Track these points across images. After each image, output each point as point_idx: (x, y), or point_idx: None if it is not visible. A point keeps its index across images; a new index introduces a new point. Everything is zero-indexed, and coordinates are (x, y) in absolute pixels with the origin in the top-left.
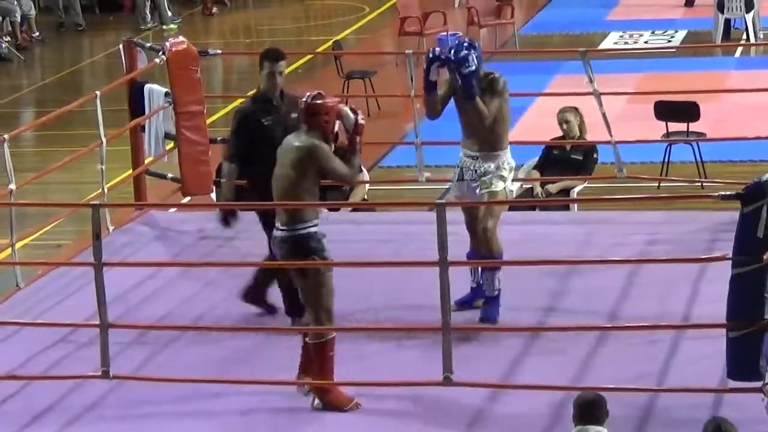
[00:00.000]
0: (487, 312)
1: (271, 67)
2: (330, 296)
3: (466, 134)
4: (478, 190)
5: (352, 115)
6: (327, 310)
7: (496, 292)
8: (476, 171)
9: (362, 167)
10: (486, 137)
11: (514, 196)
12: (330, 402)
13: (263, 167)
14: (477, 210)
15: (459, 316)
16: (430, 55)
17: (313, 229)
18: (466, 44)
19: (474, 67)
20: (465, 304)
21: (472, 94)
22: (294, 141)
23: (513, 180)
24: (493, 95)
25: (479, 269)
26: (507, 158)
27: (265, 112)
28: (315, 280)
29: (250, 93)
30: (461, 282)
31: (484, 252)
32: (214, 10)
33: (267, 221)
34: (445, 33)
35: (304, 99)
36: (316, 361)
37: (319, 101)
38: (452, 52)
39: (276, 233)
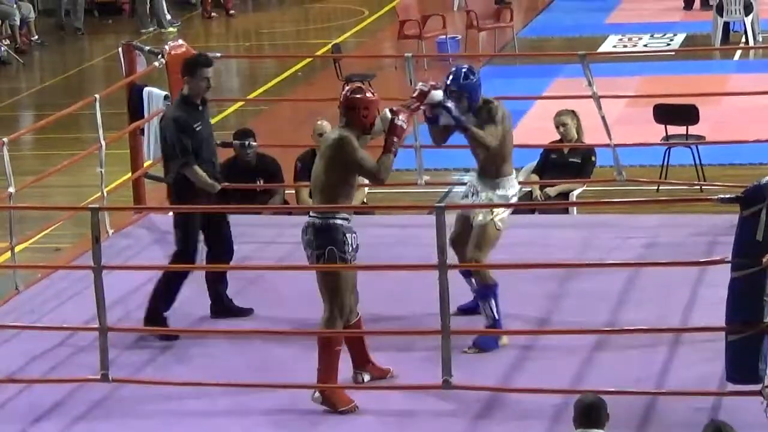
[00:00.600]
0: (481, 342)
1: (206, 72)
2: (345, 292)
3: (475, 158)
4: (471, 217)
5: (389, 115)
6: (340, 306)
7: (492, 321)
8: (477, 193)
9: None
10: (485, 163)
11: (504, 226)
12: (328, 398)
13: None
14: (467, 231)
15: (460, 319)
16: (428, 115)
17: (339, 222)
18: (466, 78)
19: (452, 106)
20: (469, 310)
21: (460, 126)
22: (331, 135)
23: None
24: (488, 122)
25: (471, 278)
26: (507, 186)
27: (193, 117)
28: (331, 274)
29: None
30: (463, 284)
31: (476, 284)
32: (213, 14)
33: (210, 224)
34: (445, 37)
35: (343, 93)
36: (322, 355)
37: (358, 95)
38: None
39: (308, 219)
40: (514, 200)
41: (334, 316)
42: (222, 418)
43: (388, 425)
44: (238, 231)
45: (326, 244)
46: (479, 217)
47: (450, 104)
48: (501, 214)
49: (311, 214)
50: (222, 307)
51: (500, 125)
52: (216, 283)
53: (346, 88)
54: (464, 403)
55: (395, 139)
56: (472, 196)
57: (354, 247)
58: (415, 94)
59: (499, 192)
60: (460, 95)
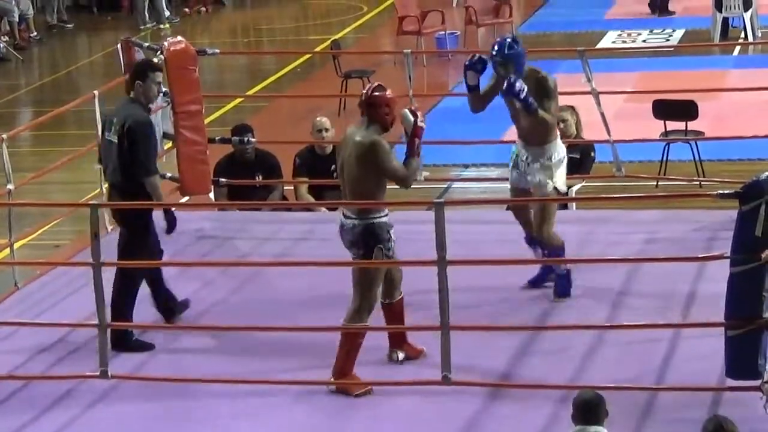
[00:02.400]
0: (558, 288)
1: (158, 77)
2: (378, 286)
3: (517, 126)
4: (531, 186)
5: (411, 117)
6: (371, 300)
7: (566, 270)
8: (526, 160)
9: None
10: (533, 131)
11: (565, 190)
12: (343, 384)
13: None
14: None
15: (458, 315)
16: (466, 63)
17: (384, 220)
18: (510, 48)
19: (525, 90)
20: (538, 281)
21: (531, 111)
22: (355, 135)
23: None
24: (546, 97)
25: (537, 249)
26: (556, 150)
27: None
28: (370, 271)
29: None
30: (462, 279)
31: (547, 249)
32: (203, 9)
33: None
34: (444, 32)
35: (364, 91)
36: (344, 344)
37: (378, 93)
38: (500, 62)
39: (345, 221)
40: (563, 162)
41: (363, 308)
42: (223, 414)
43: (387, 421)
44: (237, 227)
45: (374, 244)
46: (547, 187)
47: (521, 86)
48: (558, 176)
49: (348, 214)
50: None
51: (556, 99)
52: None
53: (367, 86)
54: (463, 398)
55: (417, 141)
56: (524, 165)
57: (395, 240)
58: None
59: (547, 158)
60: (506, 65)
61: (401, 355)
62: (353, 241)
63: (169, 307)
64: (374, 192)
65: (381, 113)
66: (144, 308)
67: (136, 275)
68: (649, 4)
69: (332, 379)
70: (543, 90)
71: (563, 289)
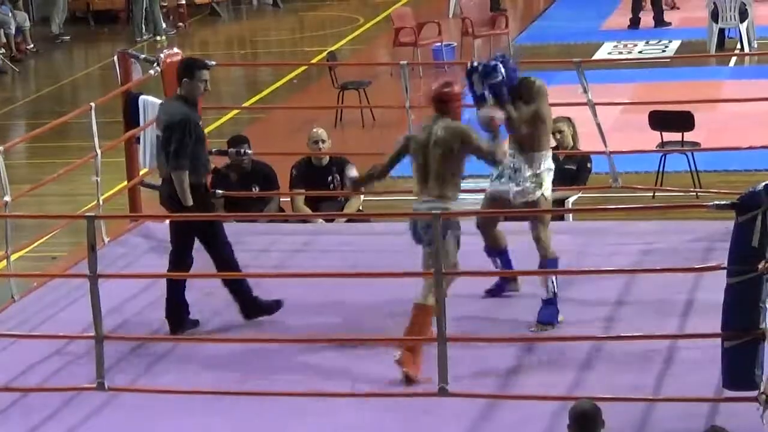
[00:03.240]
0: (543, 315)
1: (205, 75)
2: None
3: (511, 132)
4: (517, 197)
5: (489, 113)
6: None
7: (552, 295)
8: (514, 167)
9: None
10: (522, 138)
11: (551, 200)
12: (406, 363)
13: (205, 168)
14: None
15: (457, 326)
16: (468, 67)
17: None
18: (498, 58)
19: (500, 77)
20: (496, 291)
21: (502, 102)
22: (436, 129)
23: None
24: (528, 100)
25: (497, 260)
26: (544, 160)
27: (195, 118)
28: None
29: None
30: (462, 288)
31: (540, 258)
32: (180, 25)
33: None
34: (440, 44)
35: (434, 88)
36: (415, 322)
37: (448, 89)
38: (481, 64)
39: (421, 206)
40: (551, 172)
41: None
42: (219, 426)
43: None
44: (233, 239)
45: (453, 229)
46: (534, 194)
47: (498, 78)
48: (546, 185)
49: (427, 200)
50: (253, 305)
51: (540, 102)
52: (236, 284)
53: (436, 83)
54: (460, 409)
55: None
56: (510, 173)
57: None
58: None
59: (538, 165)
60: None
61: (398, 355)
62: (431, 229)
63: (178, 317)
64: (456, 179)
65: (454, 106)
66: (142, 317)
67: (185, 253)
68: (631, 20)
69: (399, 354)
70: (525, 92)
71: (548, 317)
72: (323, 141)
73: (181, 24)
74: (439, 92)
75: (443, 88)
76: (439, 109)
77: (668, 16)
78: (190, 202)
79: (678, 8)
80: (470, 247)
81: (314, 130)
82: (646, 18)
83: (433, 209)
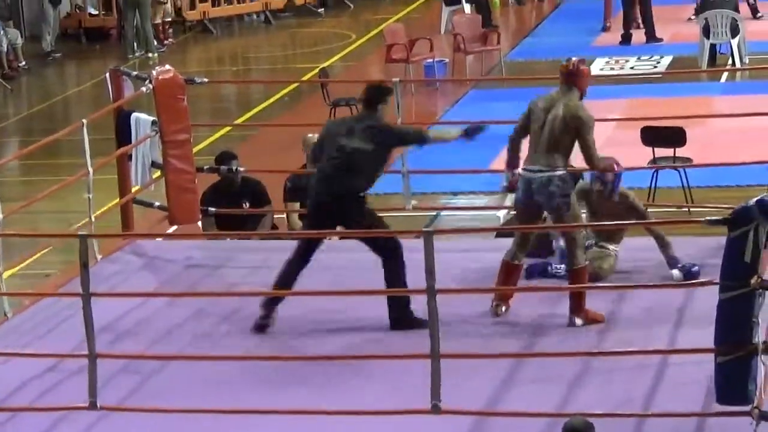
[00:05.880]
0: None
1: (389, 101)
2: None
3: (535, 144)
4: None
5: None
6: (579, 241)
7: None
8: (540, 180)
9: None
10: (555, 150)
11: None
12: (586, 318)
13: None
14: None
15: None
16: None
17: (565, 173)
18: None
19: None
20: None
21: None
22: (560, 104)
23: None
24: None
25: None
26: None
27: None
28: (572, 214)
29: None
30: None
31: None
32: (167, 42)
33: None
34: (432, 60)
35: (567, 65)
36: (575, 284)
37: (583, 66)
38: None
39: (533, 175)
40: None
41: (575, 251)
42: None
43: None
44: (226, 255)
45: (570, 191)
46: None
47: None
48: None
49: (539, 168)
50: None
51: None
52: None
53: (570, 60)
54: (453, 426)
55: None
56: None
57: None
58: None
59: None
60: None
61: (504, 309)
62: (553, 190)
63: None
64: (568, 151)
65: (583, 83)
66: (134, 335)
67: (396, 246)
68: (622, 36)
69: (575, 319)
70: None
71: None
72: None
73: (167, 41)
74: (577, 67)
75: (580, 64)
76: (573, 82)
77: (661, 31)
78: None
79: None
80: (465, 264)
81: (309, 135)
82: (638, 33)
83: (551, 178)
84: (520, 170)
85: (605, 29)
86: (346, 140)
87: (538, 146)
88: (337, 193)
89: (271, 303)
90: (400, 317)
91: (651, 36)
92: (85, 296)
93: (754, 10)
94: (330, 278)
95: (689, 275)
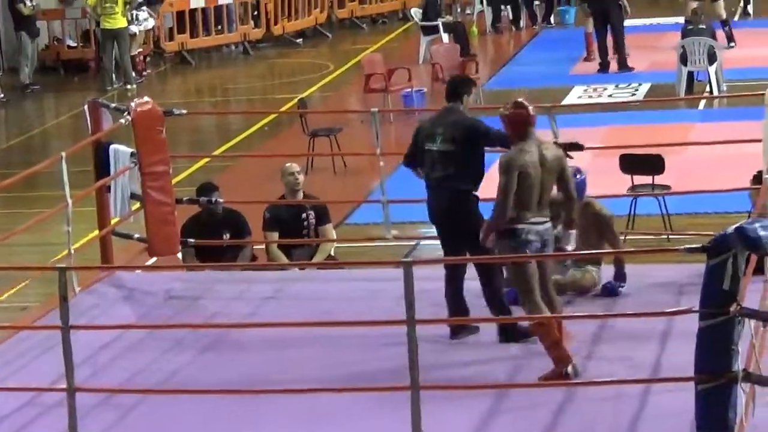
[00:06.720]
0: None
1: (472, 92)
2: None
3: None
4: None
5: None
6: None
7: None
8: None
9: (331, 224)
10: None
11: None
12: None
13: None
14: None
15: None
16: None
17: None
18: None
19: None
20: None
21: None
22: (545, 151)
23: None
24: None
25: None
26: None
27: None
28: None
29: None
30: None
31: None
32: (145, 73)
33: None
34: (410, 90)
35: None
36: (544, 341)
37: (511, 111)
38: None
39: (545, 227)
40: None
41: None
42: None
43: None
44: (206, 287)
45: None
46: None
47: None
48: None
49: (543, 219)
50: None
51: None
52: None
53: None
54: None
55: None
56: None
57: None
58: None
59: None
60: None
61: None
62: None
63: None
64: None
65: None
66: (114, 368)
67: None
68: (600, 64)
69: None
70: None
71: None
72: (298, 172)
73: (145, 73)
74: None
75: (508, 108)
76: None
77: (636, 60)
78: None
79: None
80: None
81: (287, 164)
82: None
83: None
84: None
85: (587, 59)
86: (431, 144)
87: None
88: (447, 200)
89: (460, 330)
90: (508, 328)
91: (623, 65)
92: (65, 329)
93: (729, 38)
94: (315, 308)
95: (612, 292)
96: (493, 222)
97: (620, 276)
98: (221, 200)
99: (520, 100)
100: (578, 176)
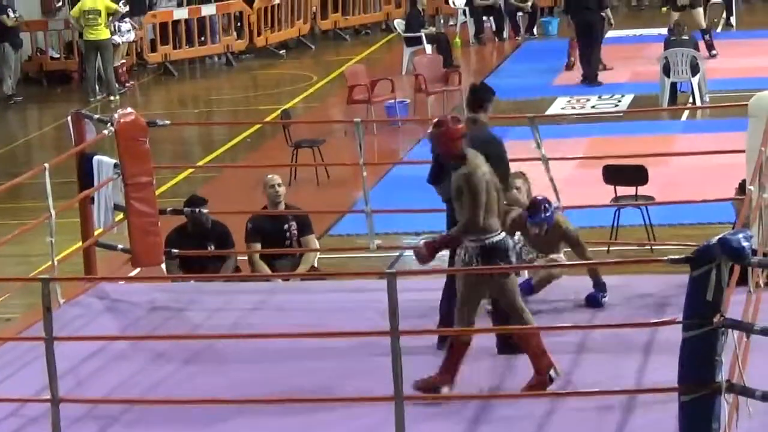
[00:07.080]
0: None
1: (493, 99)
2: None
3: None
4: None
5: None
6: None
7: None
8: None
9: (314, 235)
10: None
11: None
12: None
13: None
14: None
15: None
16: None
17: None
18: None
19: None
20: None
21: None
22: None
23: None
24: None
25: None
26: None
27: None
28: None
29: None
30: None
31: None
32: (128, 84)
33: None
34: (393, 101)
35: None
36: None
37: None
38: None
39: (509, 240)
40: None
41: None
42: None
43: None
44: (188, 298)
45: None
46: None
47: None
48: None
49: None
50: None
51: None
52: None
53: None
54: None
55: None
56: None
57: None
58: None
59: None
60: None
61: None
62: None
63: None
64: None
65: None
66: (98, 379)
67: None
68: (582, 75)
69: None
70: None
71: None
72: (279, 185)
73: (128, 84)
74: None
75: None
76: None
77: (617, 72)
78: None
79: (612, 68)
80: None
81: (269, 176)
82: (601, 73)
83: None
84: None
85: (569, 66)
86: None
87: None
88: None
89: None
90: (507, 339)
91: (593, 78)
92: (48, 340)
93: (710, 47)
94: (293, 320)
95: (595, 302)
96: (459, 234)
97: (599, 285)
98: (205, 211)
99: (443, 118)
100: (548, 211)
